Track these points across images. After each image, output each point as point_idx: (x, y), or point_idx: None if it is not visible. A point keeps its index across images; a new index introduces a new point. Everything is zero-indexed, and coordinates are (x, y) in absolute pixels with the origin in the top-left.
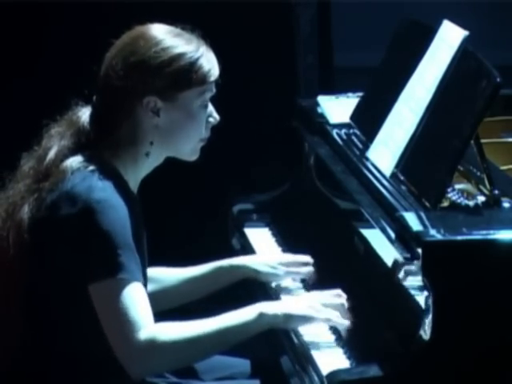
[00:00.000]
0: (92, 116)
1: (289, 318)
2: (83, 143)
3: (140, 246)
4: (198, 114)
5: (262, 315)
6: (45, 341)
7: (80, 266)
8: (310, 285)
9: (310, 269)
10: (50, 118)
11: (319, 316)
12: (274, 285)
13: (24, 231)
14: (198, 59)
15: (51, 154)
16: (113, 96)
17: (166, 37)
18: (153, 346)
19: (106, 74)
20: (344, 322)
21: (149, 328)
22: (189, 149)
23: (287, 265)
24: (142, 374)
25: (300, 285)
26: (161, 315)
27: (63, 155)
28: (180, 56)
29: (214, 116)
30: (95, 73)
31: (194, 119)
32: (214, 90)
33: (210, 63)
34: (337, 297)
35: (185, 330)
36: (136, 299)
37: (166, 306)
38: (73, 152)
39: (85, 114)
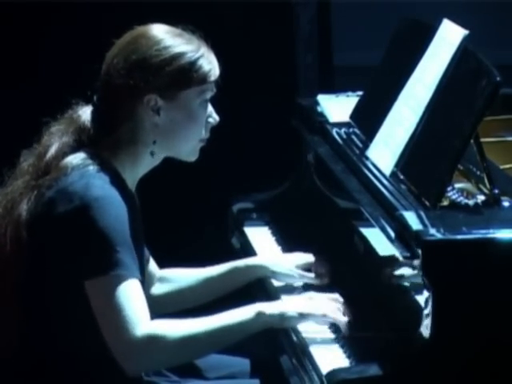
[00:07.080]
0: (93, 114)
1: (285, 317)
2: (83, 141)
3: (138, 244)
4: (197, 113)
5: (259, 314)
6: (41, 338)
7: (77, 263)
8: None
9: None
10: (50, 116)
11: (316, 312)
12: (274, 285)
13: (22, 227)
14: (198, 59)
15: (51, 151)
16: (114, 94)
17: (167, 36)
18: (150, 342)
19: (107, 72)
20: (342, 318)
21: (145, 324)
22: (188, 149)
23: (302, 267)
24: (138, 371)
25: (300, 286)
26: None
27: (63, 153)
28: (181, 55)
29: (214, 117)
30: (96, 72)
31: (193, 119)
32: (215, 90)
33: (210, 63)
34: (333, 300)
35: (182, 327)
36: (133, 295)
37: (182, 307)
38: (73, 150)
39: (85, 112)
